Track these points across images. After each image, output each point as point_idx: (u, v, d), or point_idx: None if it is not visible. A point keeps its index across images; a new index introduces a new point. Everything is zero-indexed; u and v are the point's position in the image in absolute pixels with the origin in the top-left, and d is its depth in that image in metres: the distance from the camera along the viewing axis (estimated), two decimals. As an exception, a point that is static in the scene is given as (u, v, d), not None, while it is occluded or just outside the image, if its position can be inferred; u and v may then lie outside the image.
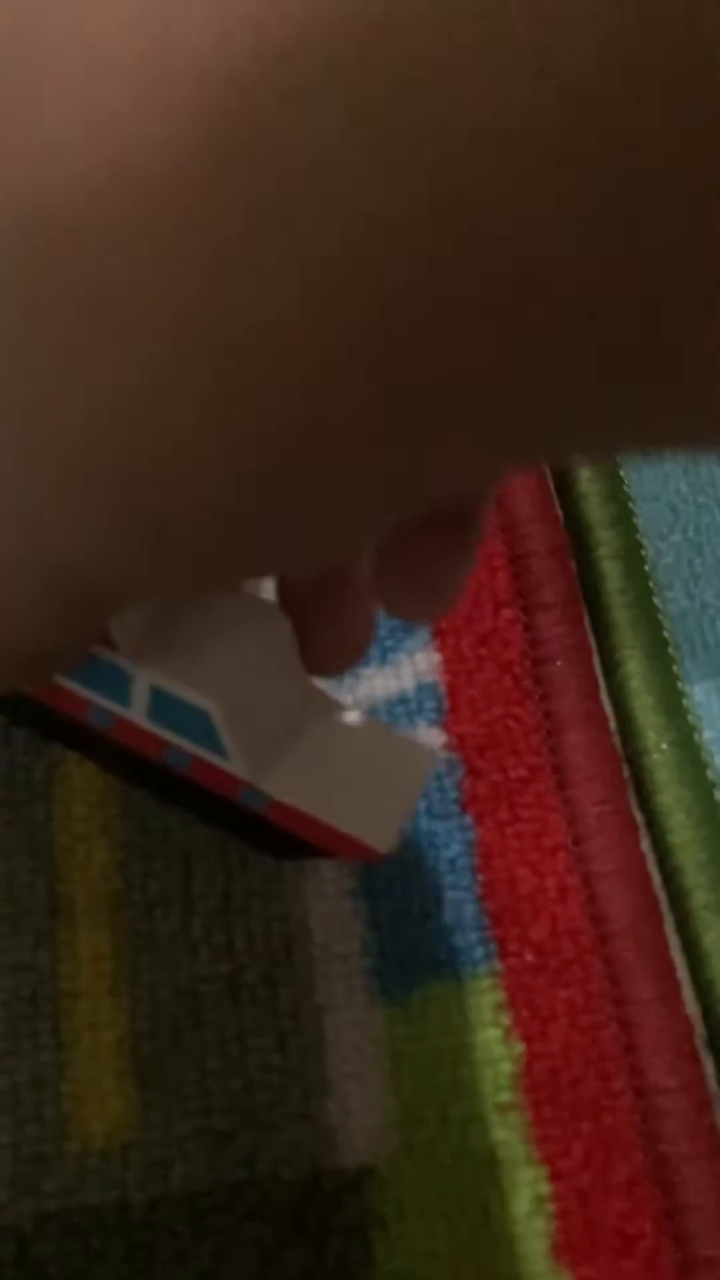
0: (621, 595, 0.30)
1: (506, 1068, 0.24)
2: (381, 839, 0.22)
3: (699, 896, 0.26)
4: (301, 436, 0.12)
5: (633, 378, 0.11)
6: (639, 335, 0.10)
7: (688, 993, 0.26)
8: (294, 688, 0.22)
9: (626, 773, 0.28)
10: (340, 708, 0.23)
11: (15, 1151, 0.23)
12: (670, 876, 0.27)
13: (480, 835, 0.27)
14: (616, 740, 0.29)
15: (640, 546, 0.31)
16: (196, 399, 0.11)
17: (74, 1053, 0.24)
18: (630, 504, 0.32)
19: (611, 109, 0.09)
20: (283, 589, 0.22)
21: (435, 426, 0.12)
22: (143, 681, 0.21)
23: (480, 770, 0.27)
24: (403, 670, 0.29)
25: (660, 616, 0.30)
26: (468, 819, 0.27)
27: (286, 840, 0.23)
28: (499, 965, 0.25)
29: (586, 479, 0.32)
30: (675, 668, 0.30)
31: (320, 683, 0.23)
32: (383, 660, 0.29)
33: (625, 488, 0.32)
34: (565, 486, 0.32)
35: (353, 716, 0.23)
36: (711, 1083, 0.25)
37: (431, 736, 0.28)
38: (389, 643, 0.29)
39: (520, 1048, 0.25)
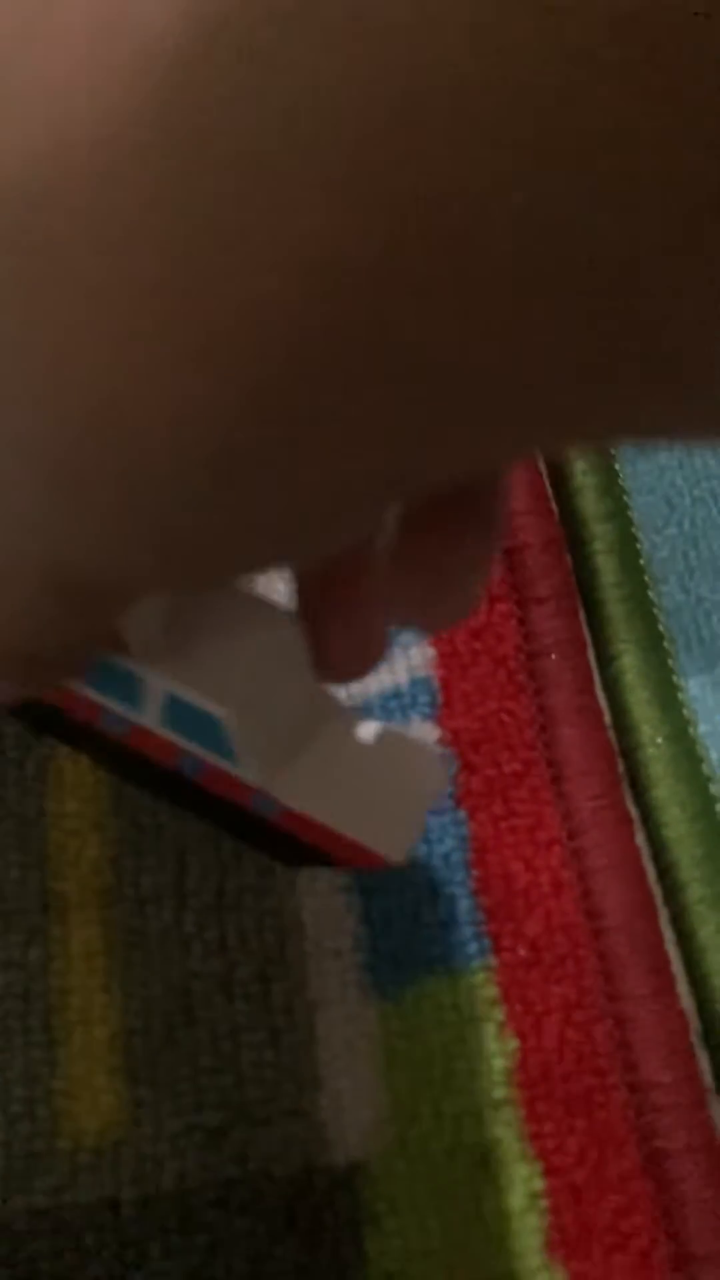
0: (617, 589, 0.30)
1: (500, 1063, 0.24)
2: (393, 848, 0.22)
3: (694, 891, 0.26)
4: (289, 423, 0.11)
5: (631, 374, 0.11)
6: (636, 332, 0.10)
7: (682, 987, 0.25)
8: (306, 693, 0.22)
9: (621, 767, 0.28)
10: (352, 714, 0.23)
11: (7, 1149, 0.23)
12: (665, 871, 0.27)
13: (474, 830, 0.27)
14: (611, 734, 0.28)
15: (635, 540, 0.31)
16: (175, 385, 0.11)
17: (66, 1049, 0.24)
18: (625, 498, 0.32)
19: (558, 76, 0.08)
20: (299, 595, 0.22)
21: (425, 412, 0.11)
22: (156, 687, 0.21)
23: (474, 765, 0.27)
24: (396, 665, 0.29)
25: (655, 610, 0.30)
26: (461, 814, 0.27)
27: (298, 847, 0.23)
28: (493, 960, 0.25)
29: (581, 473, 0.32)
30: (670, 662, 0.29)
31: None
32: (376, 655, 0.29)
33: (620, 481, 0.32)
34: (560, 480, 0.32)
35: (365, 723, 0.23)
36: (706, 1077, 0.25)
37: (425, 731, 0.28)
38: (382, 637, 0.29)
39: (514, 1043, 0.25)
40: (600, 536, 0.31)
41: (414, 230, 0.09)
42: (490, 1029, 0.25)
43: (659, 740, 0.28)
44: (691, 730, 0.29)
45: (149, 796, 0.26)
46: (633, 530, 0.31)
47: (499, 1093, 0.24)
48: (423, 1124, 0.24)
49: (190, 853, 0.26)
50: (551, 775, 0.28)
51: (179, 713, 0.21)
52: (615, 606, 0.30)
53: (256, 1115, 0.23)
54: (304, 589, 0.21)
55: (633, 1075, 0.24)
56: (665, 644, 0.30)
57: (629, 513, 0.31)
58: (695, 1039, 0.25)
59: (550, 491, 0.32)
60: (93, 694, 0.22)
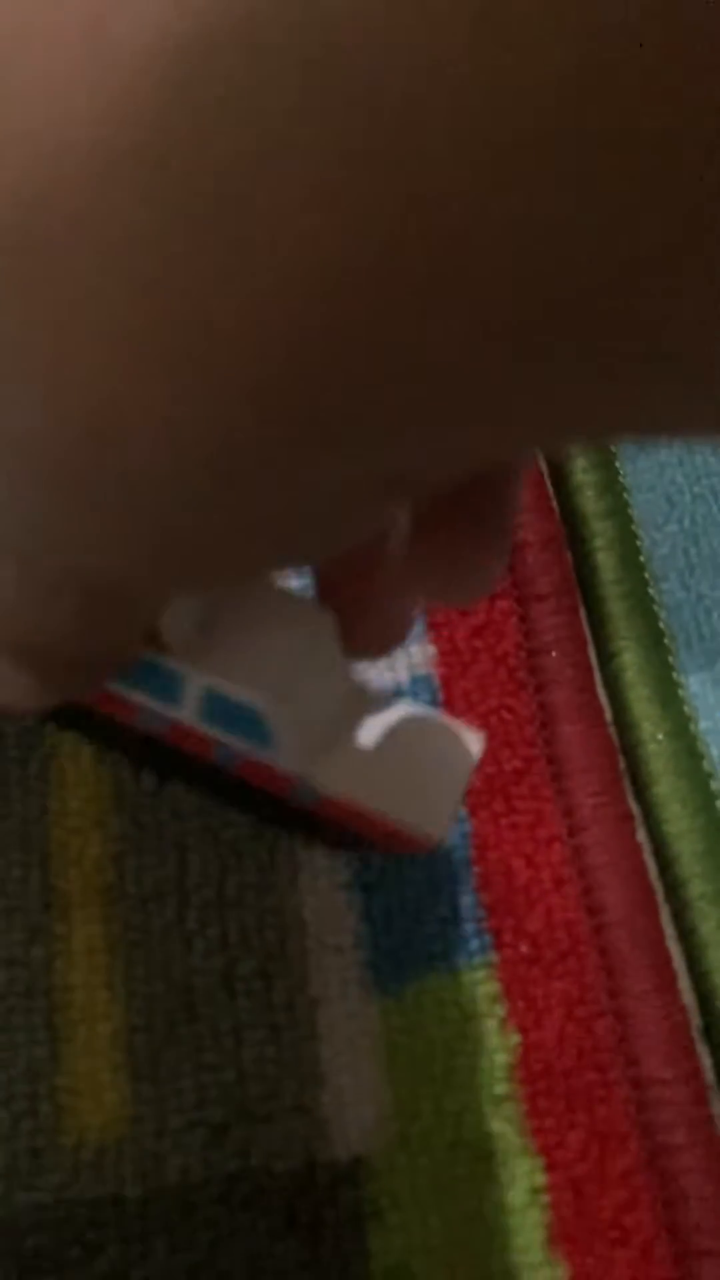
0: (617, 586, 0.30)
1: (502, 1059, 0.24)
2: (435, 828, 0.22)
3: (695, 887, 0.26)
4: (288, 423, 0.12)
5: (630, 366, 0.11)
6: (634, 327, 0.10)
7: (684, 983, 0.25)
8: (339, 681, 0.23)
9: (622, 764, 0.28)
10: (384, 698, 0.24)
11: (10, 1145, 0.23)
12: (666, 867, 0.27)
13: (475, 827, 0.27)
14: (612, 731, 0.28)
15: (636, 537, 0.31)
16: (173, 385, 0.11)
17: (69, 1047, 0.24)
18: (625, 495, 0.32)
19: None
20: (320, 580, 0.22)
21: (424, 412, 0.11)
22: (195, 683, 0.21)
23: (475, 762, 0.27)
24: (397, 663, 0.29)
25: (656, 607, 0.30)
26: (462, 811, 0.27)
27: (338, 833, 0.23)
28: (494, 957, 0.25)
29: (581, 470, 0.32)
30: (671, 658, 0.29)
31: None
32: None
33: (621, 479, 0.32)
34: (560, 478, 0.32)
35: (397, 706, 0.23)
36: (707, 1073, 0.25)
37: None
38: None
39: (516, 1039, 0.25)
40: (600, 534, 0.31)
41: (413, 231, 0.09)
42: (491, 1025, 0.25)
43: (660, 737, 0.28)
44: (692, 727, 0.29)
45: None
46: (633, 527, 0.31)
47: (500, 1088, 0.24)
48: (424, 1120, 0.24)
49: (191, 850, 0.26)
50: (552, 772, 0.28)
51: (218, 707, 0.21)
52: (616, 604, 0.30)
53: (258, 1111, 0.23)
54: (323, 580, 0.22)
55: (634, 1071, 0.24)
56: (666, 641, 0.30)
57: (629, 510, 0.31)
58: (696, 1035, 0.25)
59: (550, 489, 0.32)
60: (130, 693, 0.22)
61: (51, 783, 0.26)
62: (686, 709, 0.29)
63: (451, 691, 0.28)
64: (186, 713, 0.22)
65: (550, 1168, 0.24)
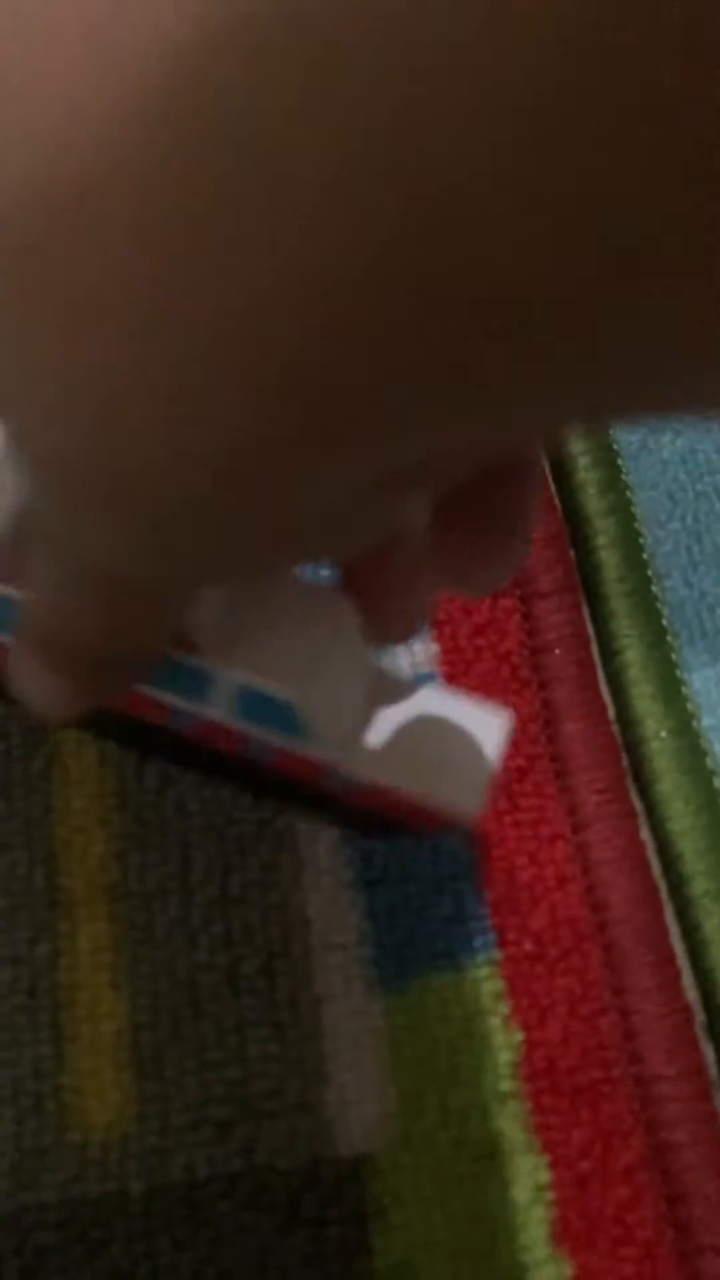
0: (620, 583, 0.30)
1: (506, 1056, 0.24)
2: (469, 804, 0.23)
3: (698, 884, 0.26)
4: (289, 424, 0.12)
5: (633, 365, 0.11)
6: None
7: (687, 980, 0.26)
8: (365, 668, 0.23)
9: (625, 761, 0.28)
10: (408, 683, 0.24)
11: (16, 1143, 0.23)
12: (669, 864, 0.27)
13: (478, 825, 0.27)
14: (615, 728, 0.28)
15: (638, 535, 0.31)
16: (173, 385, 0.11)
17: (73, 1045, 0.24)
18: (628, 493, 0.32)
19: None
20: (342, 570, 0.22)
21: (426, 412, 0.11)
22: (225, 680, 0.21)
23: (478, 760, 0.27)
24: (400, 661, 0.29)
25: (659, 605, 0.30)
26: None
27: (373, 817, 0.24)
28: (498, 954, 0.25)
29: (584, 468, 0.32)
30: (674, 656, 0.29)
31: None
32: (380, 651, 0.29)
33: (623, 477, 0.32)
34: (562, 476, 0.32)
35: (424, 690, 0.24)
36: (711, 1070, 0.25)
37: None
38: (386, 633, 0.29)
39: (519, 1036, 0.25)
40: (603, 531, 0.31)
41: (415, 230, 0.09)
42: (496, 1022, 0.25)
43: (663, 734, 0.28)
44: (696, 724, 0.29)
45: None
46: (635, 525, 0.31)
47: (504, 1086, 0.24)
48: (428, 1117, 0.24)
49: (195, 848, 0.26)
50: (555, 770, 0.28)
51: (250, 702, 0.22)
52: (619, 601, 0.30)
53: (263, 1109, 0.23)
54: (346, 569, 0.22)
55: (638, 1068, 0.25)
56: (669, 638, 0.30)
57: (632, 507, 0.31)
58: (700, 1031, 0.25)
59: (553, 487, 0.32)
60: (159, 694, 0.22)
61: (55, 781, 0.26)
62: (690, 706, 0.29)
63: (455, 690, 0.28)
64: (218, 711, 0.22)
65: (554, 1165, 0.24)
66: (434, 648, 0.29)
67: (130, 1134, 0.23)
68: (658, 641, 0.29)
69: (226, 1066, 0.24)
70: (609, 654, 0.29)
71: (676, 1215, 0.23)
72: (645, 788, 0.28)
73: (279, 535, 0.14)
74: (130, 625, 0.18)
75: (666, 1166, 0.24)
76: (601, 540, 0.31)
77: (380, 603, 0.22)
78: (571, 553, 0.31)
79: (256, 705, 0.22)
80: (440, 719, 0.23)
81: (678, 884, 0.27)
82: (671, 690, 0.29)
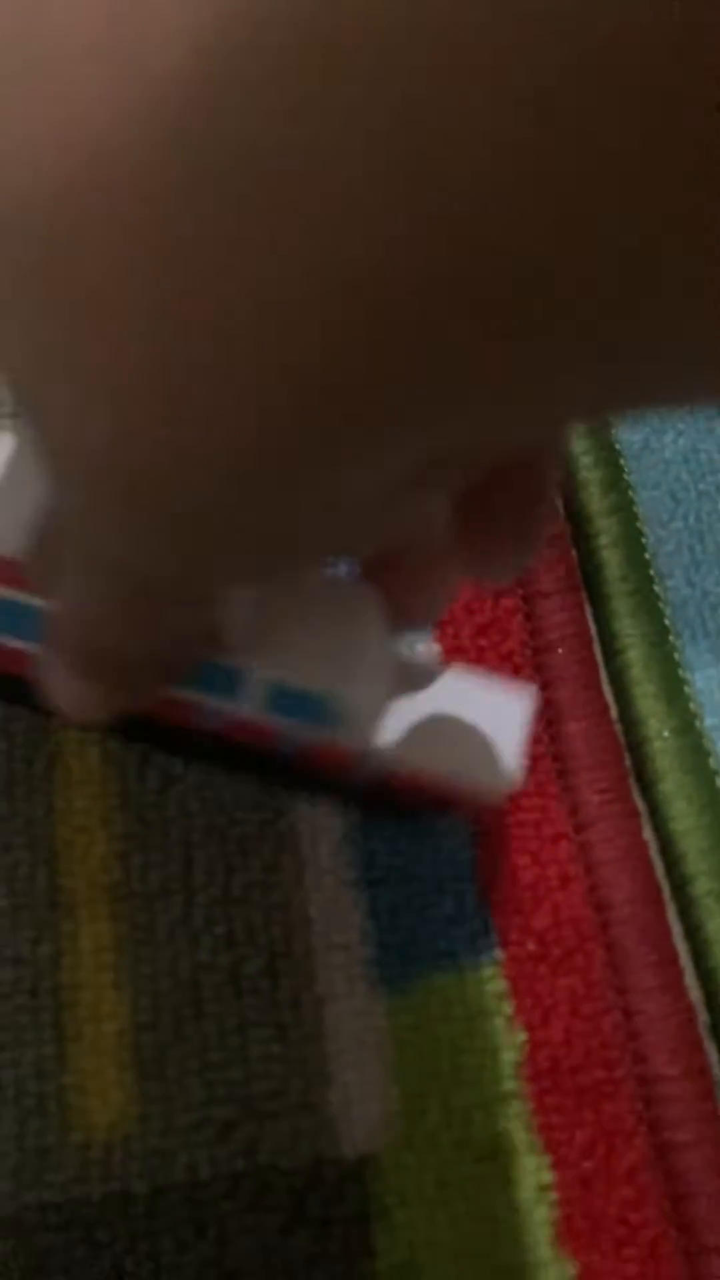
0: (622, 583, 0.30)
1: (508, 1056, 0.24)
2: (502, 781, 0.23)
3: (701, 884, 0.26)
4: (292, 427, 0.12)
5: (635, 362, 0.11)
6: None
7: (690, 980, 0.25)
8: (391, 656, 0.23)
9: (628, 761, 0.28)
10: (433, 666, 0.24)
11: (18, 1144, 0.23)
12: (672, 864, 0.27)
13: (481, 824, 0.27)
14: (618, 728, 0.28)
15: (641, 534, 0.31)
16: (174, 385, 0.11)
17: (76, 1045, 0.24)
18: (630, 492, 0.32)
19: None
20: (362, 569, 0.22)
21: (426, 413, 0.11)
22: (256, 677, 0.22)
23: (480, 759, 0.27)
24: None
25: (661, 604, 0.30)
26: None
27: (400, 801, 0.24)
28: (500, 954, 0.25)
29: (586, 468, 0.32)
30: (677, 655, 0.29)
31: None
32: (382, 651, 0.29)
33: (625, 476, 0.32)
34: (565, 475, 0.32)
35: (448, 673, 0.24)
36: (714, 1070, 0.25)
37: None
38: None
39: (522, 1036, 0.25)
40: (605, 531, 0.31)
41: (415, 230, 0.09)
42: (498, 1022, 0.25)
43: (666, 734, 0.28)
44: (699, 723, 0.29)
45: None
46: (638, 525, 0.31)
47: (507, 1086, 0.24)
48: (431, 1117, 0.24)
49: (197, 848, 0.26)
50: (558, 769, 0.28)
51: (282, 697, 0.22)
52: (621, 601, 0.30)
53: (265, 1109, 0.23)
54: (367, 558, 0.22)
55: (641, 1068, 0.24)
56: (671, 638, 0.30)
57: (634, 507, 0.31)
58: (703, 1031, 0.25)
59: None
60: (189, 693, 0.22)
61: (57, 781, 0.26)
62: (692, 705, 0.29)
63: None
64: (249, 707, 0.22)
65: (557, 1165, 0.24)
66: (436, 647, 0.29)
67: (133, 1134, 0.23)
68: (660, 641, 0.29)
69: (229, 1067, 0.24)
70: (611, 653, 0.29)
71: (680, 1215, 0.23)
72: (648, 787, 0.28)
73: (290, 535, 0.14)
74: (156, 629, 0.18)
75: (670, 1167, 0.24)
76: (604, 540, 0.31)
77: (402, 592, 0.22)
78: (574, 552, 0.31)
79: (289, 700, 0.22)
80: (467, 700, 0.24)
81: (680, 884, 0.26)
82: (674, 690, 0.29)
